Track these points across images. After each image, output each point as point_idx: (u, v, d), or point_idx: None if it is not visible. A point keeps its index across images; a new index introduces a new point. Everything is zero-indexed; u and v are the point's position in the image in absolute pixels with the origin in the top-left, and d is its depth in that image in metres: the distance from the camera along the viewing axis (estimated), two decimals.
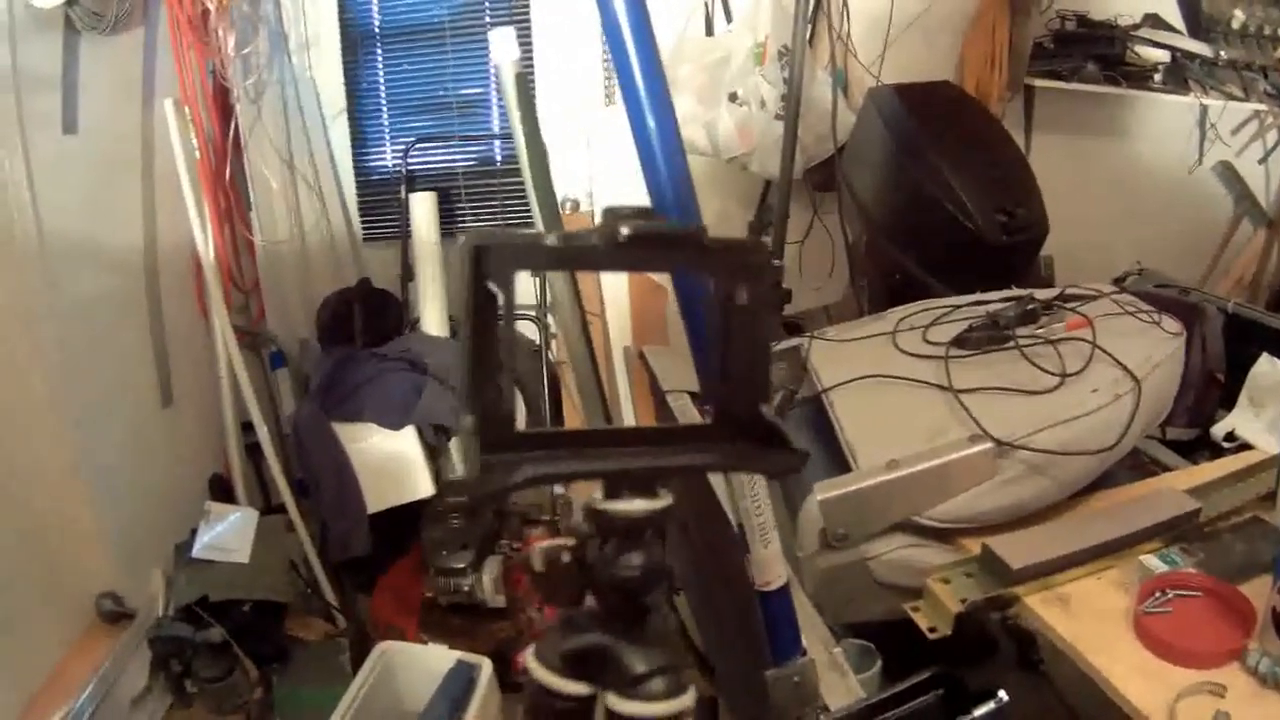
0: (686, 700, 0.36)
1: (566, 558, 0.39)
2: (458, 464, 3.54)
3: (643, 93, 0.99)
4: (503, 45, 1.98)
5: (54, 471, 2.60)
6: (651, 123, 1.00)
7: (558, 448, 0.39)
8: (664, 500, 0.39)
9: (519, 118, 2.02)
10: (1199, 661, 1.39)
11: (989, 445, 1.67)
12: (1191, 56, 3.25)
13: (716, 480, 1.58)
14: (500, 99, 3.65)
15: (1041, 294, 2.14)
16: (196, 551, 3.05)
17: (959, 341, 1.98)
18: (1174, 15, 3.35)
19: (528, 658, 0.38)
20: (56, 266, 2.56)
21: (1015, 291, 2.22)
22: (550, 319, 3.63)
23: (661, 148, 1.00)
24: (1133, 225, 3.34)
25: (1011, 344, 1.93)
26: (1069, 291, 2.16)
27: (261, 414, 3.31)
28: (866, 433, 1.82)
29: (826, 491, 1.68)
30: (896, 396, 1.90)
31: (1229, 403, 2.33)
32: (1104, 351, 1.84)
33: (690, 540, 1.62)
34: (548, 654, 0.38)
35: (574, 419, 3.66)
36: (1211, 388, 2.41)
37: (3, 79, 2.36)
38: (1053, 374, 1.81)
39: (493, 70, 3.65)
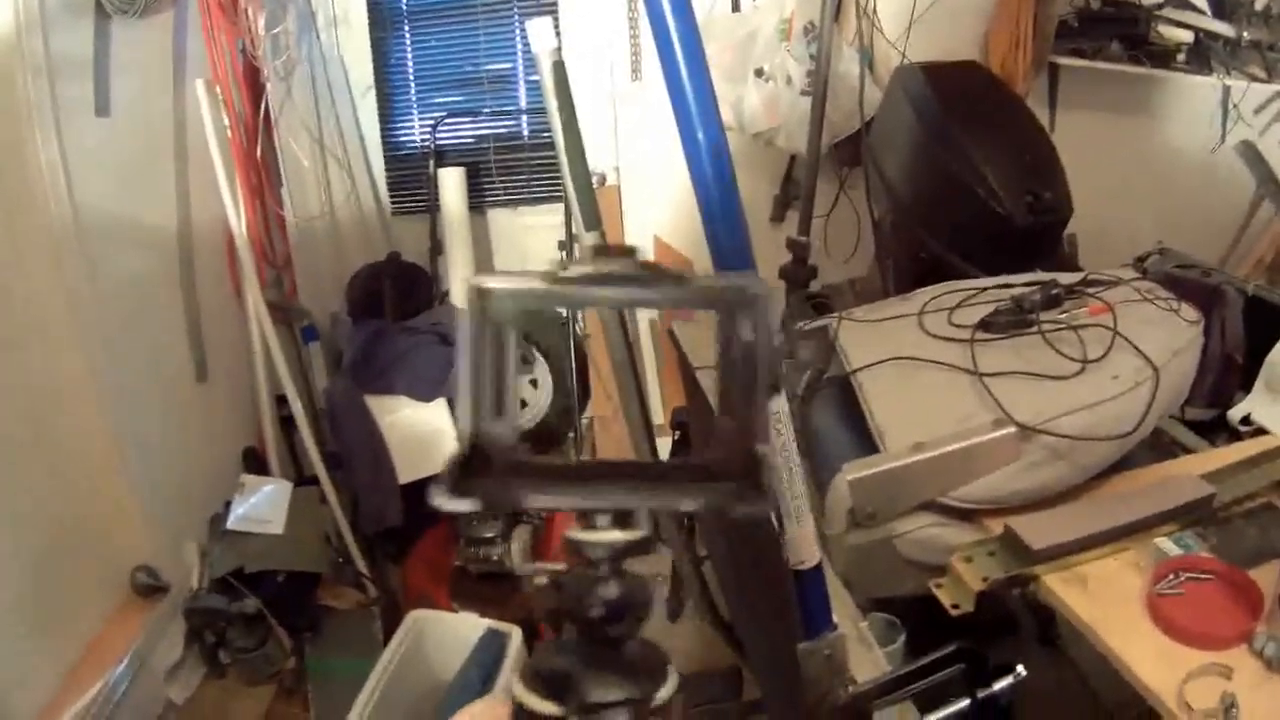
0: None
1: (543, 581, 0.41)
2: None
3: (690, 97, 1.06)
4: (541, 36, 2.05)
5: (91, 448, 2.69)
6: (701, 135, 1.08)
7: (550, 478, 0.40)
8: (639, 532, 0.39)
9: (556, 107, 2.08)
10: (1208, 644, 1.46)
11: (1013, 430, 1.75)
12: (1215, 37, 3.28)
13: None
14: (528, 74, 3.72)
15: (1065, 279, 2.20)
16: (231, 523, 3.15)
17: (984, 325, 2.05)
18: None
19: (513, 680, 0.39)
20: (92, 247, 2.64)
21: (1039, 276, 2.28)
22: None
23: (710, 154, 1.07)
24: (1155, 204, 3.38)
25: (1035, 329, 2.01)
26: (1091, 277, 2.23)
27: (295, 388, 3.42)
28: (894, 414, 1.90)
29: (855, 472, 1.76)
30: (923, 379, 1.98)
31: (1248, 384, 2.40)
32: (1124, 339, 1.92)
33: (723, 523, 1.71)
34: (528, 671, 0.39)
35: (600, 393, 3.75)
36: (1230, 369, 2.47)
37: (35, 65, 2.42)
38: (1075, 360, 1.88)
39: (524, 54, 3.71)
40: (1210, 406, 2.42)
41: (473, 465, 0.40)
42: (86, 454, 2.68)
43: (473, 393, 0.40)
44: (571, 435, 3.83)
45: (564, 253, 3.62)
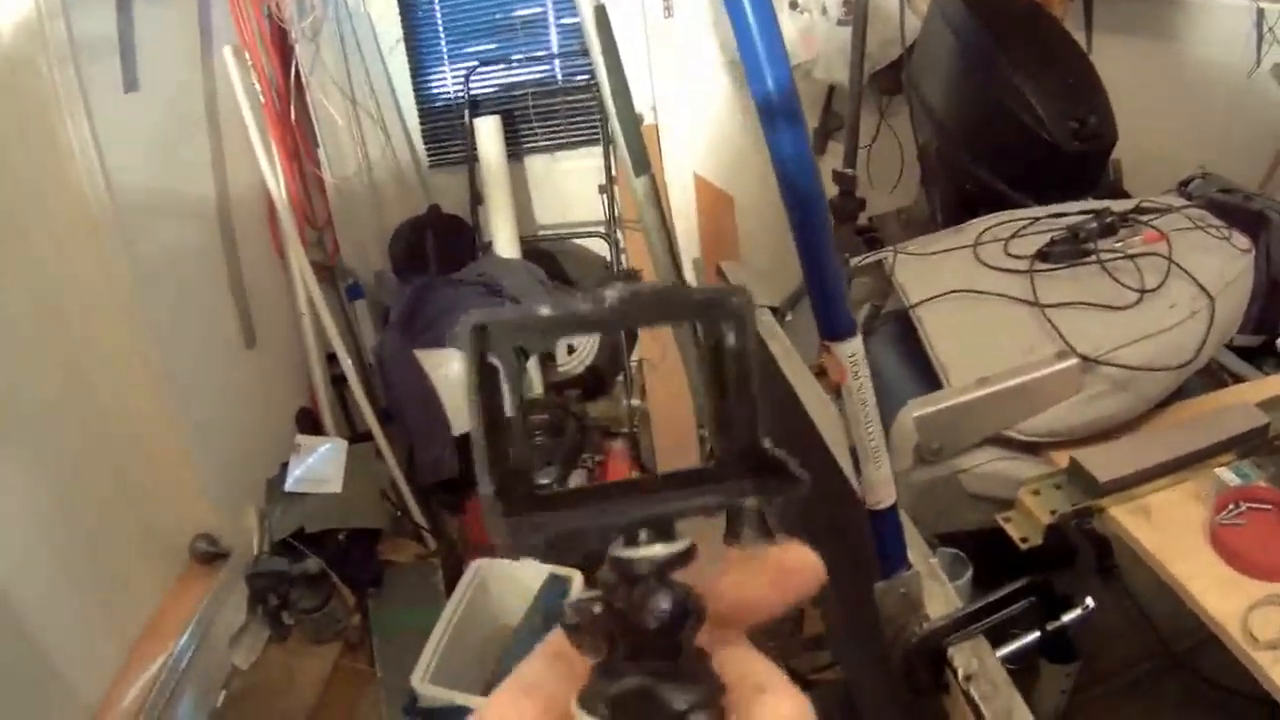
0: None
1: (598, 609, 0.38)
2: (536, 383, 3.72)
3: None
4: None
5: (146, 422, 2.76)
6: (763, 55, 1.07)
7: (576, 503, 0.40)
8: (682, 543, 0.39)
9: (600, 51, 2.12)
10: (1270, 574, 1.49)
11: (1075, 361, 1.79)
12: None
13: (828, 408, 1.73)
14: (559, 18, 3.75)
15: (1118, 206, 2.22)
16: (290, 485, 3.23)
17: (1042, 255, 2.08)
18: None
19: (575, 710, 0.37)
20: (132, 224, 2.68)
21: (1093, 204, 2.30)
22: (620, 235, 3.76)
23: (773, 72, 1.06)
24: (1194, 128, 3.38)
25: (1093, 258, 2.04)
26: (1143, 204, 2.25)
27: (344, 346, 3.49)
28: (956, 349, 1.94)
29: (920, 409, 1.81)
30: (983, 311, 2.01)
31: None
32: (1180, 267, 1.95)
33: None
34: (593, 703, 0.37)
35: (646, 335, 3.79)
36: (1276, 294, 2.49)
37: (60, 48, 2.45)
38: (1133, 289, 1.92)
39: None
40: (1257, 332, 2.44)
41: (507, 512, 0.39)
42: (140, 427, 2.76)
43: (489, 449, 0.38)
44: (620, 378, 3.90)
45: (604, 196, 3.67)
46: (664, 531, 0.39)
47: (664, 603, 0.38)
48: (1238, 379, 2.23)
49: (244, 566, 3.00)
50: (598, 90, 2.06)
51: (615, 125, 2.12)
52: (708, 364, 0.40)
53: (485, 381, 0.37)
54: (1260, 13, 3.24)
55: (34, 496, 2.37)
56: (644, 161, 2.15)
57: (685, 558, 0.39)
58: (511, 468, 0.38)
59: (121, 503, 2.67)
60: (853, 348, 1.20)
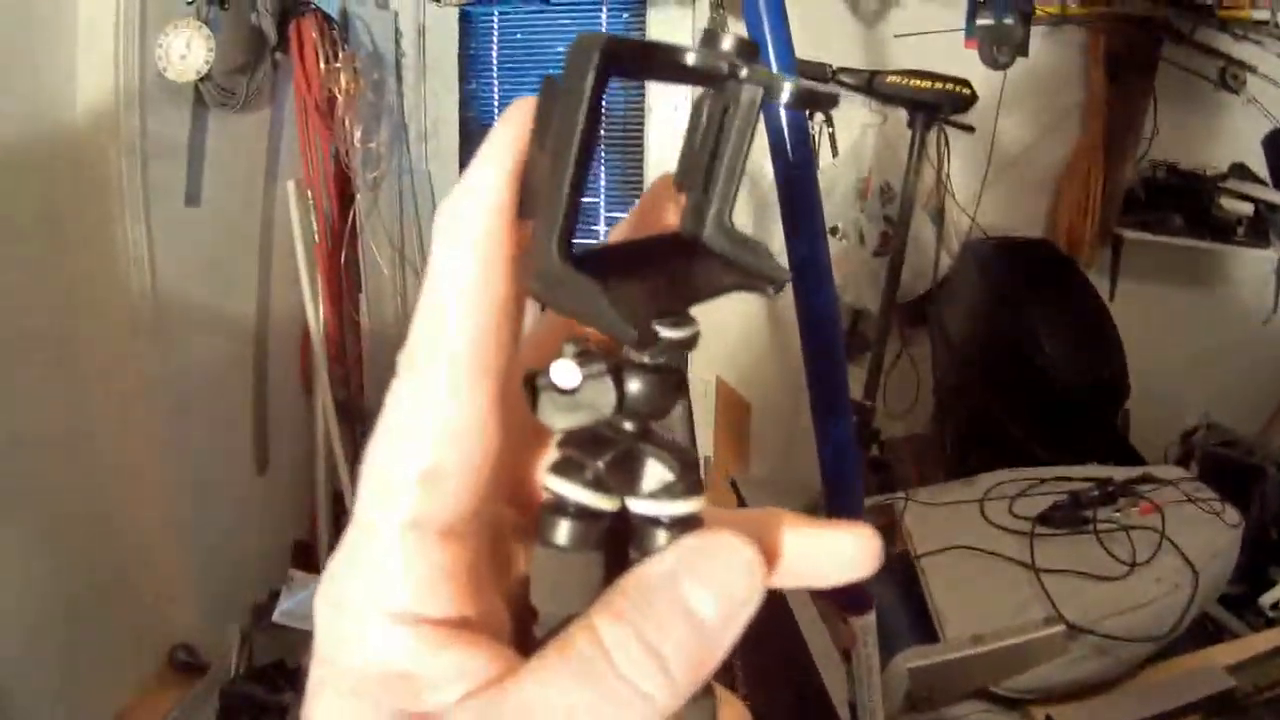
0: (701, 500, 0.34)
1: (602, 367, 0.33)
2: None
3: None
4: None
5: (147, 524, 2.90)
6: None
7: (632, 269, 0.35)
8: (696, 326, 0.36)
9: None
10: None
11: (1061, 628, 2.04)
12: (1274, 208, 3.47)
13: (833, 671, 1.96)
14: (608, 209, 4.03)
15: (1120, 475, 2.49)
16: (277, 617, 3.35)
17: (1043, 519, 2.34)
18: (1261, 166, 3.54)
19: (550, 483, 0.34)
20: (170, 333, 2.87)
21: (1097, 470, 2.55)
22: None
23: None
24: (1205, 374, 3.60)
25: (1090, 526, 2.30)
26: (1144, 474, 2.52)
27: (352, 487, 3.67)
28: (954, 603, 2.18)
29: (915, 660, 2.04)
30: (983, 567, 2.26)
31: None
32: (1170, 542, 2.21)
33: None
34: (579, 474, 0.34)
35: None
36: (1265, 545, 2.73)
37: (130, 146, 2.66)
38: (1123, 562, 2.18)
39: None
40: (1244, 580, 2.66)
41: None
42: (140, 529, 2.90)
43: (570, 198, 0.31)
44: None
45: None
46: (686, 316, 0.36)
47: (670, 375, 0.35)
48: (1219, 626, 2.48)
49: (219, 683, 3.07)
50: None
51: None
52: (711, 132, 0.37)
53: (594, 123, 0.31)
54: (1279, 262, 3.49)
55: (28, 579, 2.51)
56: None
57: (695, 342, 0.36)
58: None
59: (111, 596, 2.80)
60: (867, 621, 1.45)
